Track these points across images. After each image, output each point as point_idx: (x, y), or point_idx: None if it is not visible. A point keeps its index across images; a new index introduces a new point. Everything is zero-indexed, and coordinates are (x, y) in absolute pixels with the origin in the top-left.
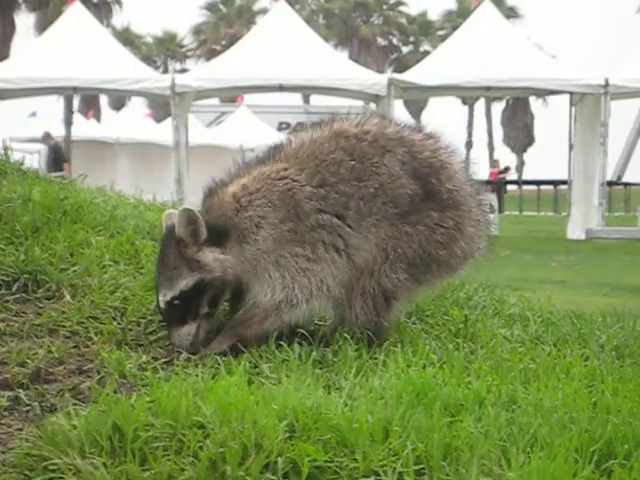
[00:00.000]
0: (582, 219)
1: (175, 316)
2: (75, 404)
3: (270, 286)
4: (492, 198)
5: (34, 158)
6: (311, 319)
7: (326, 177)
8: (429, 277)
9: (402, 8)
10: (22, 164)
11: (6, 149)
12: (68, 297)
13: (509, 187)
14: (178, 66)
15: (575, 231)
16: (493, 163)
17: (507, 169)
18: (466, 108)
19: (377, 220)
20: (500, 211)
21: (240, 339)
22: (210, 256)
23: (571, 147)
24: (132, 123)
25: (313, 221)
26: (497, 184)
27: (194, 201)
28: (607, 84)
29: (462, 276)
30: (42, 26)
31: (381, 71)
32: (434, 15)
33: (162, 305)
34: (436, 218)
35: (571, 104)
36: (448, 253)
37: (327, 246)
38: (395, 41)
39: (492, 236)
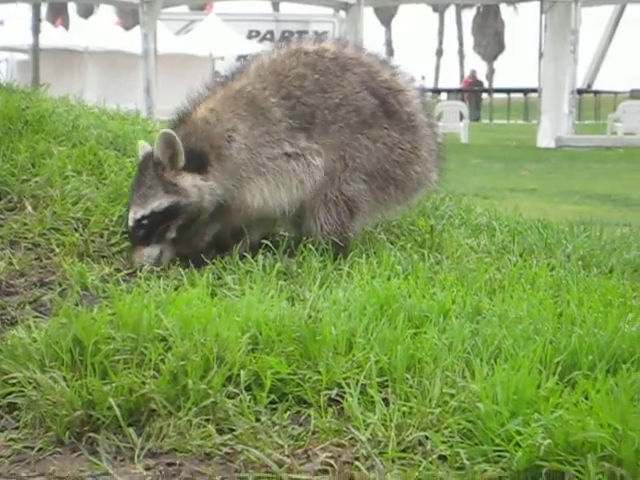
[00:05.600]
0: (552, 127)
1: (141, 236)
2: (36, 317)
3: (258, 189)
4: (462, 106)
5: (2, 66)
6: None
7: (291, 91)
8: (386, 197)
9: None
10: None
11: None
12: (30, 208)
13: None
14: None
15: (545, 139)
16: (472, 73)
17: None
18: (436, 15)
19: (340, 127)
20: (477, 119)
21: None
22: (189, 180)
23: (541, 55)
24: (101, 31)
25: (286, 123)
26: (469, 93)
27: (163, 109)
28: None
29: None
30: None
31: None
32: None
33: (131, 223)
34: (396, 139)
35: (541, 11)
36: (404, 174)
37: (302, 146)
38: None
39: (462, 144)
